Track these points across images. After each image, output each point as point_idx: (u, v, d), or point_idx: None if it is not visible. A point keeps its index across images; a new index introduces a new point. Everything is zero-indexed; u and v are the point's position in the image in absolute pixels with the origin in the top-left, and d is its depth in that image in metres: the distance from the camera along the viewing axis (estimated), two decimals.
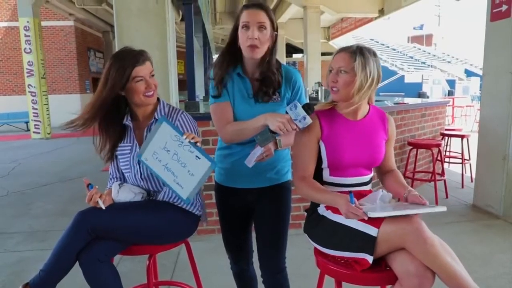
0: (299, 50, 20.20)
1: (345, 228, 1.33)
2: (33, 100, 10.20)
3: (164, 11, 3.69)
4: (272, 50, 1.49)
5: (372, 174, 1.55)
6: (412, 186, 4.31)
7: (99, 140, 1.64)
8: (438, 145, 4.21)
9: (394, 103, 4.64)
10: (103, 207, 1.49)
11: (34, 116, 10.28)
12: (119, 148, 1.67)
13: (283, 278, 1.66)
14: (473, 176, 4.31)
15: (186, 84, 6.26)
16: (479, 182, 3.88)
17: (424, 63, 28.83)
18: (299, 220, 3.16)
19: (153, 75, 1.60)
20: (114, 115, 1.63)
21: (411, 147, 4.27)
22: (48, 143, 9.53)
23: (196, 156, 1.42)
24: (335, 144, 1.43)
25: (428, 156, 4.79)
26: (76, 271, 1.44)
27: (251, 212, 1.67)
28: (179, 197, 1.45)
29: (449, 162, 5.32)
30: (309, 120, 1.32)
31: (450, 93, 16.86)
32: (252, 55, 1.44)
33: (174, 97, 4.38)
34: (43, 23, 11.54)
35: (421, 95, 16.31)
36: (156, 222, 1.54)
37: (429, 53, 34.32)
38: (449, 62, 31.24)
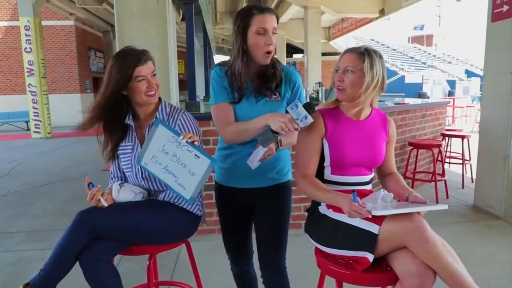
0: (299, 50, 20.20)
1: (347, 227, 1.34)
2: (33, 99, 10.20)
3: (164, 11, 3.70)
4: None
5: (372, 175, 1.55)
6: (412, 187, 4.34)
7: (103, 139, 1.65)
8: (439, 146, 4.21)
9: (395, 103, 4.64)
10: (105, 205, 1.50)
11: (34, 115, 10.29)
12: (120, 148, 1.67)
13: (284, 278, 1.66)
14: (474, 176, 4.31)
15: (186, 84, 6.26)
16: (479, 182, 3.87)
17: (424, 63, 28.83)
18: (299, 220, 3.16)
19: (155, 75, 1.60)
20: (117, 114, 1.63)
21: (411, 147, 4.27)
22: (49, 143, 9.53)
23: (195, 155, 1.42)
24: (339, 142, 1.44)
25: (428, 156, 4.79)
26: (76, 271, 1.44)
27: (251, 212, 1.66)
28: (183, 197, 1.45)
29: (449, 163, 5.31)
30: (310, 119, 1.32)
31: (451, 94, 16.85)
32: (267, 60, 1.48)
33: (174, 97, 4.38)
34: (44, 23, 11.54)
35: (421, 95, 16.30)
36: (157, 222, 1.54)
37: (430, 54, 34.32)
38: (449, 62, 31.23)
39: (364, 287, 1.37)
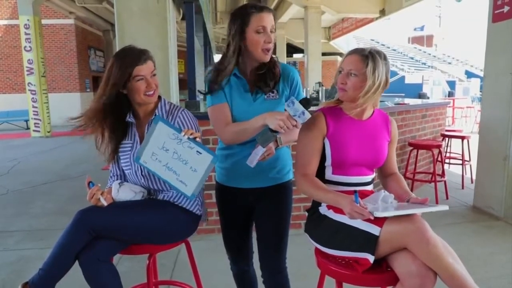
0: (300, 50, 20.18)
1: (347, 228, 1.33)
2: (33, 98, 10.18)
3: (165, 11, 3.69)
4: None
5: (373, 175, 1.55)
6: (412, 187, 4.34)
7: (101, 139, 1.64)
8: (439, 146, 4.21)
9: (395, 104, 4.64)
10: (105, 204, 1.49)
11: (34, 114, 10.27)
12: (120, 146, 1.66)
13: (284, 278, 1.66)
14: (474, 177, 4.31)
15: (186, 83, 6.25)
16: (479, 183, 3.87)
17: (424, 64, 28.86)
18: (299, 220, 3.16)
19: (154, 75, 1.60)
20: (117, 113, 1.62)
21: (411, 147, 4.27)
22: (48, 142, 9.52)
23: (197, 151, 1.41)
24: (340, 142, 1.44)
25: (428, 157, 4.79)
26: (76, 270, 1.44)
27: (251, 212, 1.66)
28: (184, 194, 1.44)
29: (449, 163, 5.32)
30: (308, 114, 1.32)
31: (451, 94, 16.82)
32: (266, 58, 1.48)
33: (174, 96, 4.38)
34: (44, 21, 11.52)
35: (421, 96, 16.28)
36: (156, 221, 1.54)
37: (430, 54, 34.36)
38: (449, 63, 31.26)
39: None
